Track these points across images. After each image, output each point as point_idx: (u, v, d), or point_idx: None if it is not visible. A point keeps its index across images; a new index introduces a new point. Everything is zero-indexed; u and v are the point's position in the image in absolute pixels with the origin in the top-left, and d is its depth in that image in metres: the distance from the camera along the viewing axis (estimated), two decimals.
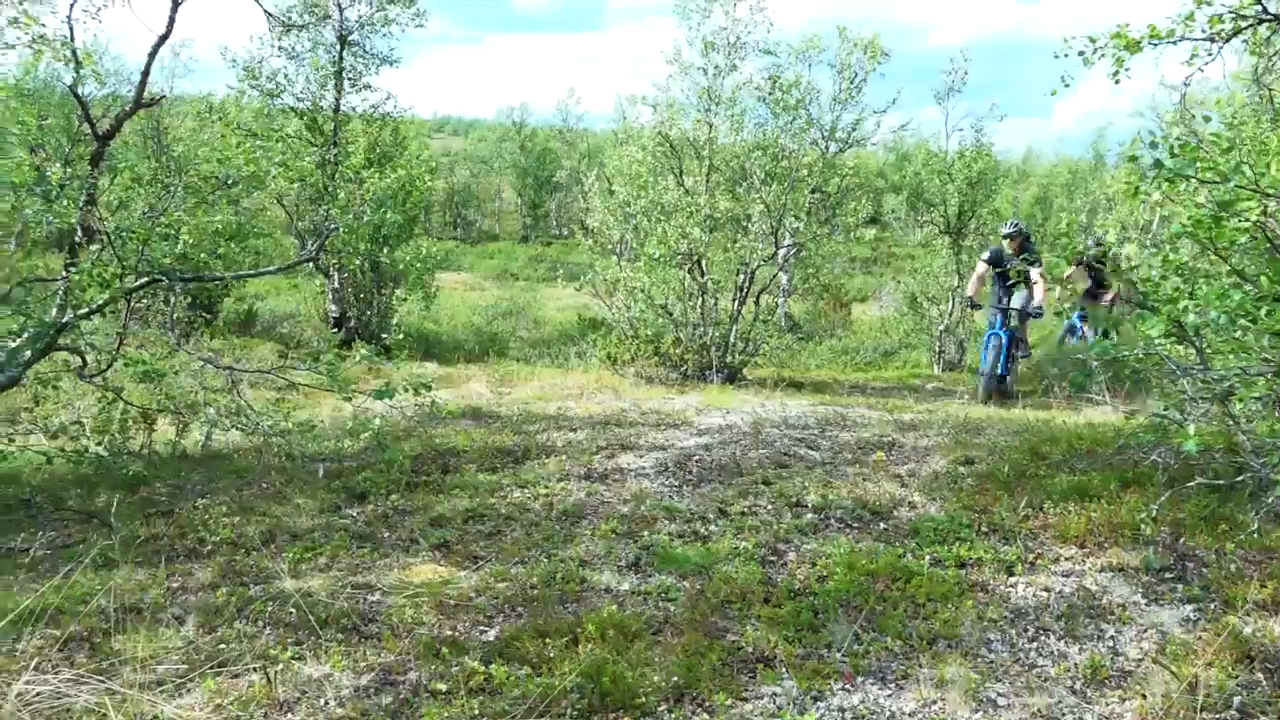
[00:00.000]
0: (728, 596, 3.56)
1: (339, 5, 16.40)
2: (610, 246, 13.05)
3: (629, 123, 13.92)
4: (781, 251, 13.55)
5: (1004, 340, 10.06)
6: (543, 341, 17.63)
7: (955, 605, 3.33)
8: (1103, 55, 4.77)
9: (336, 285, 16.33)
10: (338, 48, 16.54)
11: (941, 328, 15.22)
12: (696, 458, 5.68)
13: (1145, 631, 3.14)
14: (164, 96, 9.92)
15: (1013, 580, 3.59)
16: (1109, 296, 11.19)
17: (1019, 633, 3.17)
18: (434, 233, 37.69)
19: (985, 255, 10.58)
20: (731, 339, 12.30)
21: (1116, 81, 4.91)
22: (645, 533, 4.41)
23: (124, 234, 5.87)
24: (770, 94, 12.65)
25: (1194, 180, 3.88)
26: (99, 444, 6.28)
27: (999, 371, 10.23)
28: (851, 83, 16.61)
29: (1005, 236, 10.48)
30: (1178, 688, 2.75)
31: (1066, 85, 5.06)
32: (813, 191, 14.41)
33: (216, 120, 16.00)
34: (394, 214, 6.41)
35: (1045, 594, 3.46)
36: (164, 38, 7.12)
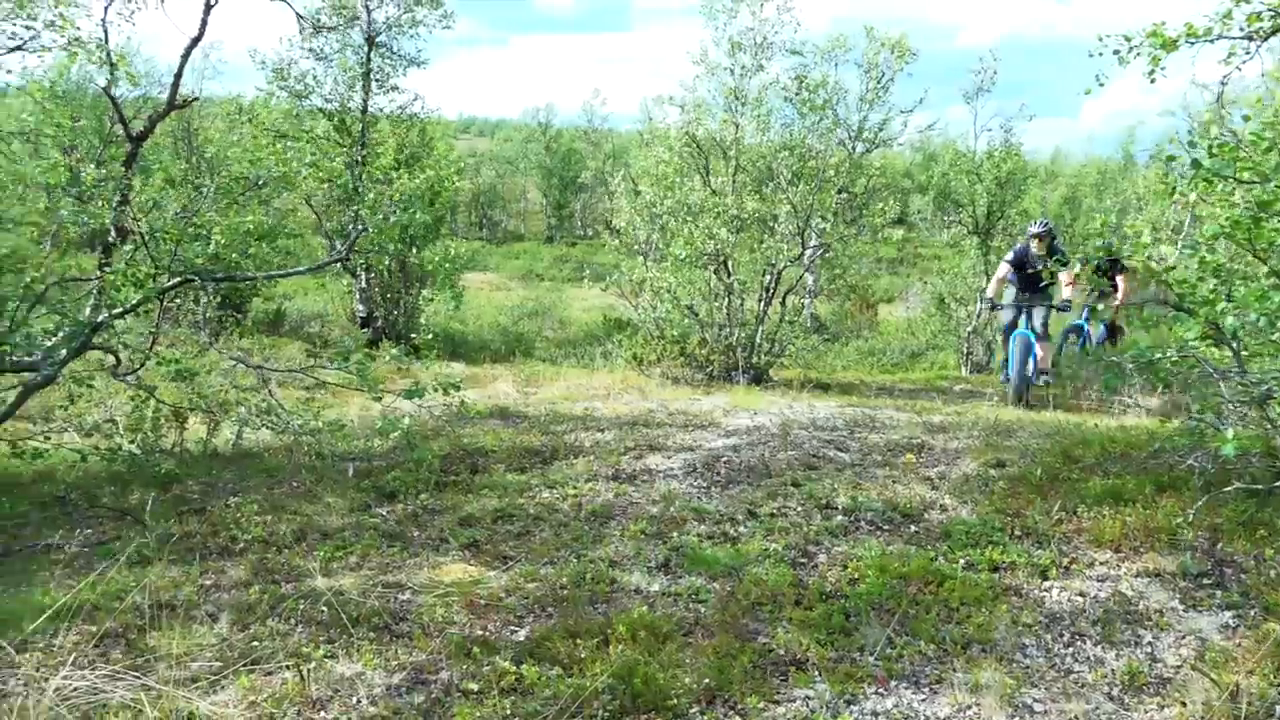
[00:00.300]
0: (758, 598, 3.54)
1: (367, 7, 16.51)
2: (636, 247, 13.05)
3: (655, 124, 13.90)
4: (808, 252, 13.51)
5: (1031, 340, 9.80)
6: (568, 342, 17.65)
7: (989, 609, 3.30)
8: (1138, 54, 4.71)
9: (364, 285, 16.44)
10: (366, 49, 16.66)
11: (969, 329, 15.10)
12: (725, 459, 5.67)
13: (1184, 638, 3.10)
14: (196, 98, 10.01)
15: (1047, 584, 3.55)
16: (1117, 298, 10.97)
17: (1054, 638, 3.14)
18: (460, 233, 37.88)
19: (1009, 256, 10.26)
20: (757, 340, 12.26)
21: (1152, 81, 4.84)
22: (674, 534, 4.40)
23: (158, 234, 5.93)
24: (797, 94, 12.62)
25: (1232, 180, 3.83)
26: (132, 442, 6.35)
27: (1028, 373, 9.96)
28: (878, 83, 16.55)
29: (1033, 236, 10.11)
30: (1218, 695, 2.71)
31: (1101, 84, 5.01)
32: (839, 192, 14.34)
33: (246, 122, 16.14)
34: (422, 214, 6.41)
35: (1080, 599, 3.42)
36: (196, 40, 7.19)
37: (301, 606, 3.80)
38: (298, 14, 9.35)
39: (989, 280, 14.99)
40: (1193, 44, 4.64)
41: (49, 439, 6.27)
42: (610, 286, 13.47)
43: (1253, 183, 3.78)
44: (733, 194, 11.92)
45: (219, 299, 14.80)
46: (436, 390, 5.89)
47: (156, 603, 3.92)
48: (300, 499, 5.31)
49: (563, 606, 3.66)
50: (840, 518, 4.46)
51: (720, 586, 3.74)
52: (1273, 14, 4.65)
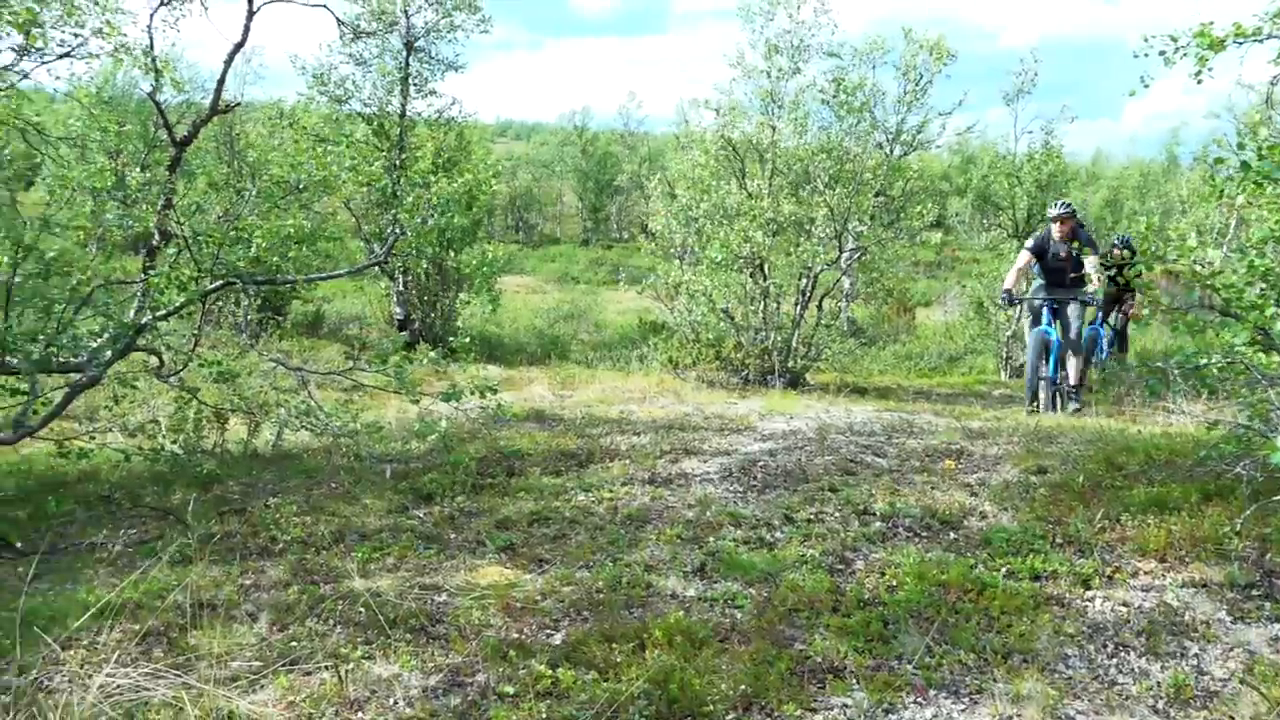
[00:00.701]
0: (795, 605, 3.52)
1: (406, 12, 16.66)
2: (672, 250, 13.05)
3: (690, 127, 13.89)
4: (844, 255, 13.44)
5: (1052, 337, 8.78)
6: (603, 345, 17.68)
7: (1030, 619, 3.25)
8: (1184, 55, 4.63)
9: (401, 288, 16.58)
10: (404, 54, 16.81)
11: (1009, 333, 14.94)
12: (761, 463, 5.64)
13: (1231, 650, 3.04)
14: (239, 103, 10.14)
15: (1090, 594, 3.49)
16: (1130, 303, 10.29)
17: (1097, 649, 3.09)
18: (496, 236, 38.07)
19: (1030, 243, 9.10)
20: (793, 344, 12.21)
21: (1199, 82, 4.75)
22: (710, 538, 4.39)
23: (200, 238, 6.01)
24: (834, 96, 12.56)
25: None
26: (174, 443, 6.44)
27: (1049, 374, 9.17)
28: (916, 85, 16.41)
29: (1054, 220, 9.00)
30: (1268, 710, 2.65)
31: (1146, 86, 4.92)
32: (877, 195, 14.26)
33: (287, 126, 16.31)
34: (460, 218, 6.45)
35: (1124, 609, 3.36)
36: (239, 45, 7.29)
37: (339, 607, 3.82)
38: (338, 19, 9.44)
39: (1029, 284, 14.88)
40: (1241, 44, 4.55)
41: (94, 439, 6.37)
42: (645, 290, 13.48)
43: None
44: (769, 197, 11.89)
45: (259, 302, 15.01)
46: (473, 393, 5.92)
47: (198, 602, 3.96)
48: (338, 500, 5.35)
49: (598, 610, 3.65)
50: (878, 524, 4.42)
51: (756, 592, 3.72)
52: None
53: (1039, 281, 9.20)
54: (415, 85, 16.96)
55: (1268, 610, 3.21)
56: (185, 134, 7.36)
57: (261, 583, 4.25)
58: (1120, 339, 10.81)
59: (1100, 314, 10.45)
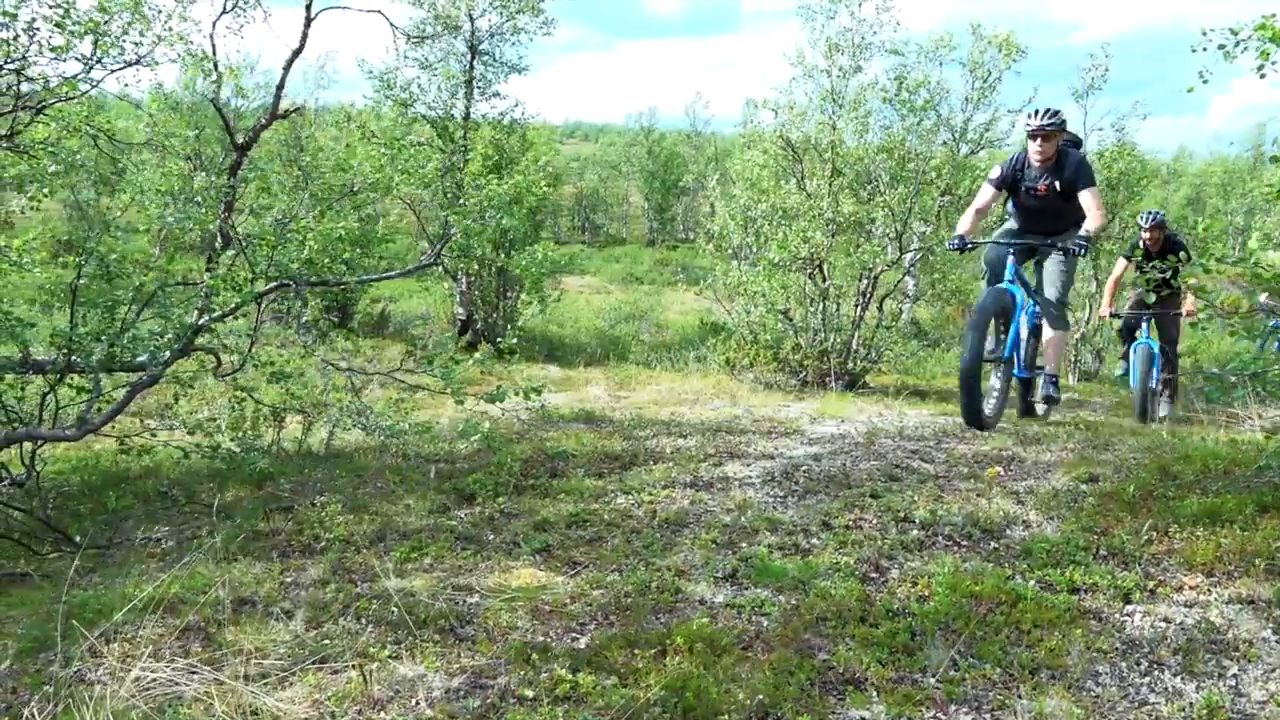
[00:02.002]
0: (823, 613, 3.47)
1: (470, 16, 16.86)
2: (730, 250, 12.99)
3: (753, 127, 13.80)
4: (907, 256, 13.23)
5: (1016, 299, 6.47)
6: (664, 345, 17.66)
7: (1063, 633, 3.15)
8: (1245, 49, 4.46)
9: (463, 289, 16.77)
10: (468, 57, 17.02)
11: (1077, 336, 14.57)
12: (805, 468, 5.57)
13: (1273, 671, 2.91)
14: (300, 108, 10.36)
15: (1129, 609, 3.37)
16: (1185, 308, 8.57)
17: (1130, 666, 2.98)
18: (562, 237, 38.33)
19: (994, 174, 6.82)
20: (853, 345, 12.06)
21: (1262, 76, 4.58)
22: (745, 544, 4.35)
23: (255, 240, 6.15)
24: (896, 95, 12.37)
25: None
26: (232, 440, 6.60)
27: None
28: (984, 82, 16.10)
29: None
30: None
31: (1205, 81, 4.76)
32: (943, 194, 14.01)
33: (356, 129, 16.64)
34: (509, 220, 6.49)
35: (1164, 625, 3.24)
36: (297, 52, 7.47)
37: (373, 606, 3.87)
38: (393, 25, 9.57)
39: (1100, 285, 14.43)
40: None
41: (155, 435, 6.56)
42: (704, 291, 13.43)
43: None
44: (828, 197, 11.75)
45: (326, 301, 15.29)
46: (517, 394, 5.96)
47: (237, 598, 4.06)
48: (382, 499, 5.43)
49: (625, 615, 3.64)
50: (916, 532, 4.33)
51: (786, 600, 3.67)
52: None
53: (1010, 225, 6.99)
54: (479, 88, 17.18)
55: None
56: (247, 139, 7.55)
57: (301, 580, 4.32)
58: (1170, 356, 9.30)
59: (1145, 324, 9.19)
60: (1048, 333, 6.79)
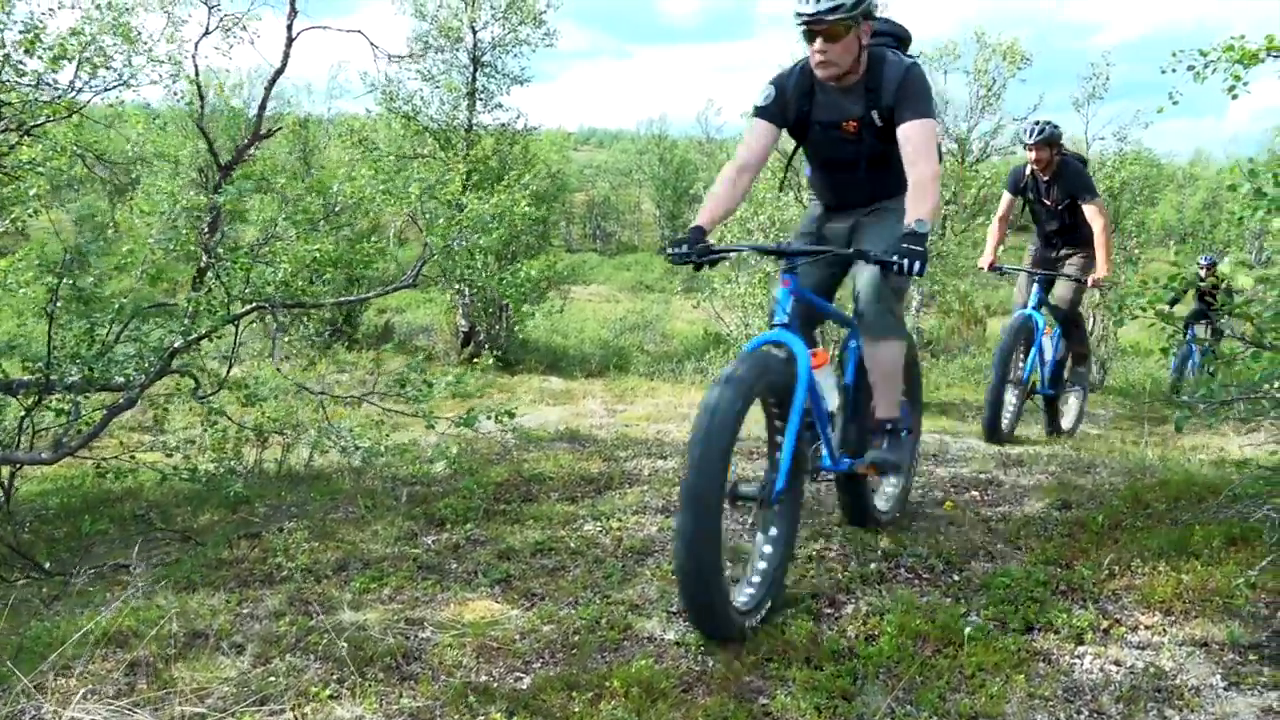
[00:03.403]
0: (769, 653, 3.40)
1: (472, 28, 16.90)
2: (727, 262, 12.93)
3: (734, 144, 13.76)
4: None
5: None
6: (668, 356, 17.59)
7: (1006, 678, 3.07)
8: (1214, 70, 4.39)
9: (466, 300, 16.77)
10: (471, 69, 17.06)
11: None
12: None
13: None
14: (280, 128, 10.39)
15: (1080, 650, 3.29)
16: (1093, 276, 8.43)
17: (1071, 714, 2.90)
18: (574, 244, 38.36)
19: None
20: None
21: (1234, 97, 4.51)
22: None
23: (229, 263, 6.15)
24: None
25: None
26: (212, 462, 6.59)
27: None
28: (989, 90, 15.98)
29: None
30: None
31: (1175, 102, 4.69)
32: (948, 203, 13.88)
33: (358, 143, 16.70)
34: (488, 240, 6.46)
35: (1113, 668, 3.15)
36: (279, 71, 7.50)
37: (324, 641, 3.83)
38: (373, 45, 9.57)
39: (1104, 295, 14.26)
40: (1277, 57, 4.29)
41: (134, 458, 6.56)
42: (701, 303, 13.38)
43: None
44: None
45: (330, 313, 15.30)
46: (489, 418, 5.92)
47: (191, 630, 4.03)
48: (351, 525, 5.40)
49: (571, 653, 3.59)
50: (878, 563, 4.26)
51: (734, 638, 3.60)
52: None
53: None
54: (481, 99, 17.21)
55: (1266, 676, 2.98)
56: (230, 158, 7.56)
57: (258, 612, 4.29)
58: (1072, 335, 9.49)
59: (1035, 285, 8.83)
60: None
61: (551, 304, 16.71)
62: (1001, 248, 7.45)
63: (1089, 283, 6.96)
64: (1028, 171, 6.97)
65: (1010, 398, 7.10)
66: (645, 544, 4.79)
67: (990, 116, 16.71)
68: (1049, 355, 7.17)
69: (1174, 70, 4.50)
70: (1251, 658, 3.10)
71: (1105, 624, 3.44)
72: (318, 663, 3.69)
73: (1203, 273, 10.47)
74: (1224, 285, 4.50)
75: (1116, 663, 3.19)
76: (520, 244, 16.45)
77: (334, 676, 3.55)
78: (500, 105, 17.19)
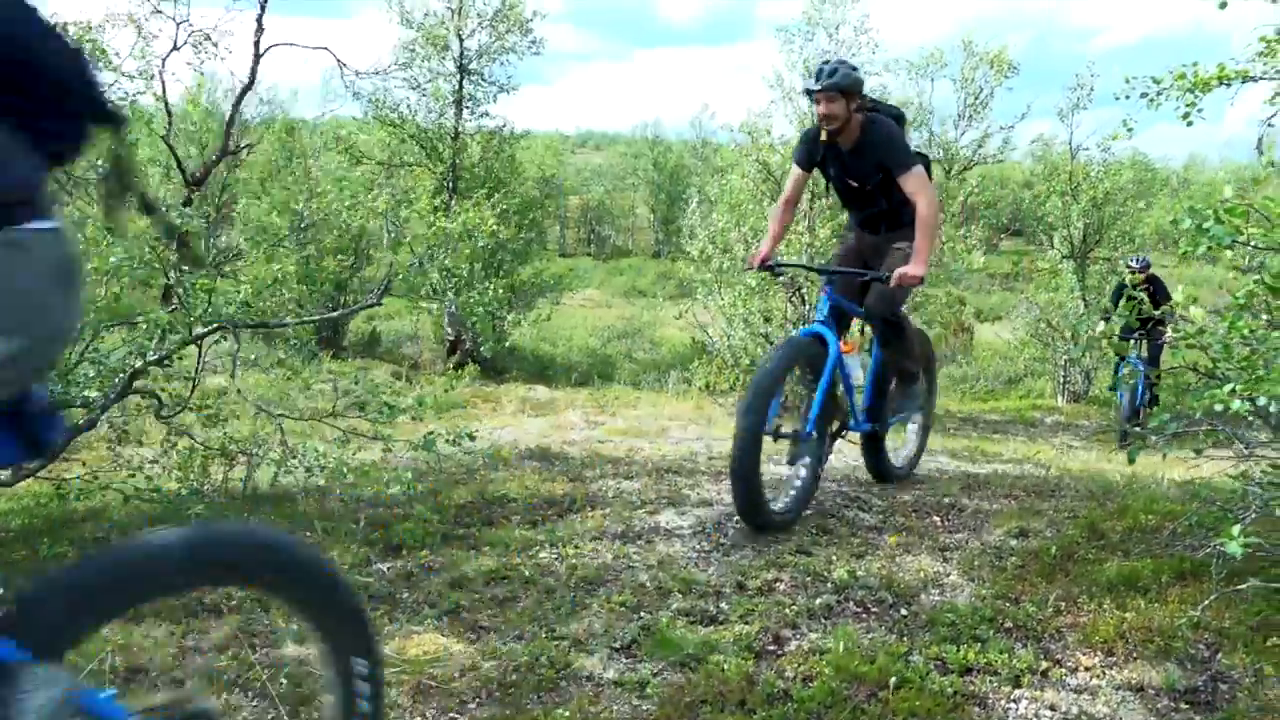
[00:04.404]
0: (705, 695, 3.36)
1: (459, 36, 16.88)
2: (711, 274, 12.92)
3: (734, 148, 13.75)
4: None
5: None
6: (655, 365, 17.58)
7: None
8: (1167, 97, 4.36)
9: (452, 309, 16.76)
10: (458, 77, 17.03)
11: (1066, 356, 14.40)
12: (738, 518, 5.46)
13: None
14: (250, 145, 10.36)
15: (1016, 694, 3.25)
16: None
17: None
18: (568, 249, 38.34)
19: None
20: None
21: (1189, 123, 4.48)
22: (654, 608, 4.25)
23: (189, 284, 6.11)
24: None
25: (1246, 248, 3.48)
26: (177, 482, 6.55)
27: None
28: (976, 98, 15.96)
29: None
30: None
31: (1130, 130, 4.66)
32: None
33: (343, 150, 16.67)
34: (452, 260, 6.43)
35: (1048, 713, 3.11)
36: (247, 88, 7.46)
37: (263, 678, 3.79)
38: (340, 62, 9.53)
39: (1089, 307, 14.21)
40: (1229, 85, 4.25)
41: (97, 478, 6.52)
42: (682, 315, 13.35)
43: (1272, 249, 3.42)
44: (804, 220, 11.65)
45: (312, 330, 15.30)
46: (449, 441, 5.88)
47: (131, 665, 3.98)
48: None
49: (508, 693, 3.55)
50: (828, 596, 4.21)
51: (674, 677, 3.57)
52: None
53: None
54: (468, 107, 17.20)
55: None
56: (198, 174, 7.52)
57: (202, 645, 4.24)
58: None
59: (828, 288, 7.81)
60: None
61: (539, 313, 16.70)
62: (784, 240, 6.23)
63: (892, 280, 4.89)
64: (822, 136, 5.02)
65: (781, 457, 5.45)
66: (598, 573, 4.75)
67: (977, 125, 16.67)
68: (857, 380, 5.45)
69: (1127, 97, 4.47)
70: (1184, 705, 3.06)
71: (1044, 665, 3.40)
72: (254, 701, 3.64)
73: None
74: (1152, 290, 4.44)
75: (1051, 707, 3.15)
76: (507, 252, 16.43)
77: (269, 716, 3.51)
78: (487, 113, 17.19)
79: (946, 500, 5.69)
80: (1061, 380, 14.36)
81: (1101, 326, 9.35)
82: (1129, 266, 9.52)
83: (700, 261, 12.71)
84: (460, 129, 16.99)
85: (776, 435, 5.04)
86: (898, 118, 5.40)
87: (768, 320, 11.89)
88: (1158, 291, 8.67)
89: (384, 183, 15.72)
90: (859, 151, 5.12)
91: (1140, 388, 9.59)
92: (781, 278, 5.71)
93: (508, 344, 15.55)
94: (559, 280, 17.36)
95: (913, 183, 4.99)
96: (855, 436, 5.89)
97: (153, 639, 4.27)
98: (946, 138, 16.11)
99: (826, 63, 5.04)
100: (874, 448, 5.95)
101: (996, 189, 29.89)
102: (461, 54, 17.13)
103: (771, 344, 11.97)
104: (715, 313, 12.27)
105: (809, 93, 5.07)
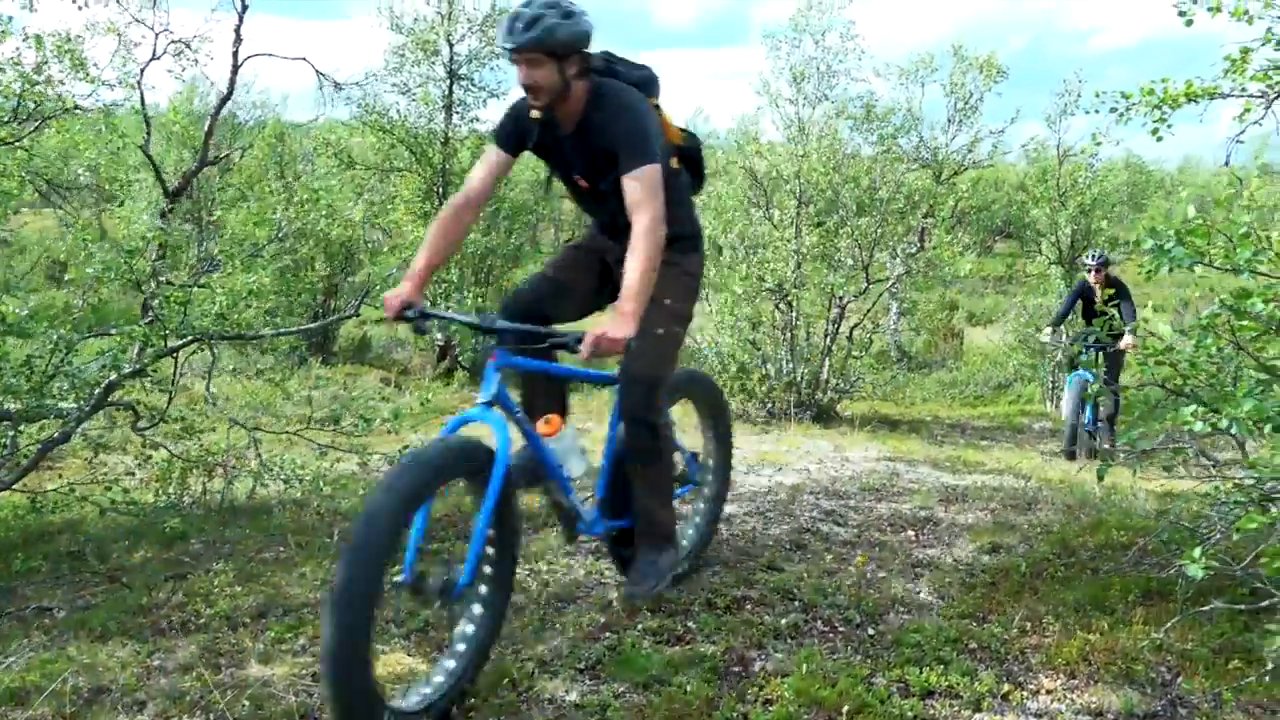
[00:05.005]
0: (666, 717, 3.34)
1: (449, 41, 16.86)
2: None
3: (721, 154, 13.72)
4: (887, 284, 13.07)
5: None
6: None
7: None
8: (1136, 113, 4.35)
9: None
10: (447, 82, 17.01)
11: (1055, 361, 14.40)
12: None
13: None
14: (228, 154, 10.33)
15: (977, 718, 3.23)
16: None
17: None
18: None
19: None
20: (823, 375, 11.93)
21: (1159, 139, 4.47)
22: (622, 627, 4.23)
23: (164, 297, 6.09)
24: (865, 122, 12.28)
25: (1211, 268, 3.47)
26: (154, 495, 6.53)
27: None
28: (965, 103, 15.95)
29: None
30: None
31: (1098, 144, 4.66)
32: (926, 215, 13.83)
33: (333, 155, 16.64)
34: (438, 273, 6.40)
35: None
36: (225, 98, 7.43)
37: (225, 700, 3.77)
38: (319, 73, 9.47)
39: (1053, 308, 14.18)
40: (1197, 102, 4.25)
41: (74, 490, 6.50)
42: None
43: (1230, 270, 3.41)
44: (792, 226, 11.65)
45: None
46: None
47: (95, 686, 3.96)
48: (278, 567, 5.33)
49: (469, 717, 3.53)
50: (796, 615, 4.20)
51: (634, 699, 3.55)
52: None
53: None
54: (458, 112, 17.18)
55: None
56: (177, 185, 7.50)
57: (167, 664, 4.21)
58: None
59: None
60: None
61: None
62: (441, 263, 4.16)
63: (583, 349, 3.25)
64: (532, 114, 3.46)
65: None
66: (569, 590, 4.73)
67: (967, 129, 16.67)
68: (575, 470, 4.12)
69: (1097, 111, 4.46)
70: None
71: (1006, 688, 3.38)
72: None
73: (1091, 275, 8.99)
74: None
75: None
76: (498, 257, 16.42)
77: None
78: (477, 118, 17.18)
79: (923, 514, 5.68)
80: (1050, 386, 14.35)
81: (1048, 333, 9.35)
82: (1085, 264, 9.25)
83: None
84: (450, 134, 16.95)
85: (415, 589, 3.41)
86: (643, 82, 3.73)
87: (755, 327, 11.86)
88: (1119, 293, 8.72)
89: (374, 187, 15.74)
90: (583, 134, 3.53)
91: (1090, 410, 9.16)
92: (427, 334, 4.15)
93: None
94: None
95: (637, 186, 3.31)
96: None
97: (117, 659, 4.25)
98: (936, 142, 16.04)
99: (527, 6, 3.26)
100: (629, 550, 4.09)
101: (991, 191, 29.85)
102: (451, 59, 17.10)
103: (759, 350, 11.93)
104: (703, 319, 12.23)
105: (506, 52, 3.34)
